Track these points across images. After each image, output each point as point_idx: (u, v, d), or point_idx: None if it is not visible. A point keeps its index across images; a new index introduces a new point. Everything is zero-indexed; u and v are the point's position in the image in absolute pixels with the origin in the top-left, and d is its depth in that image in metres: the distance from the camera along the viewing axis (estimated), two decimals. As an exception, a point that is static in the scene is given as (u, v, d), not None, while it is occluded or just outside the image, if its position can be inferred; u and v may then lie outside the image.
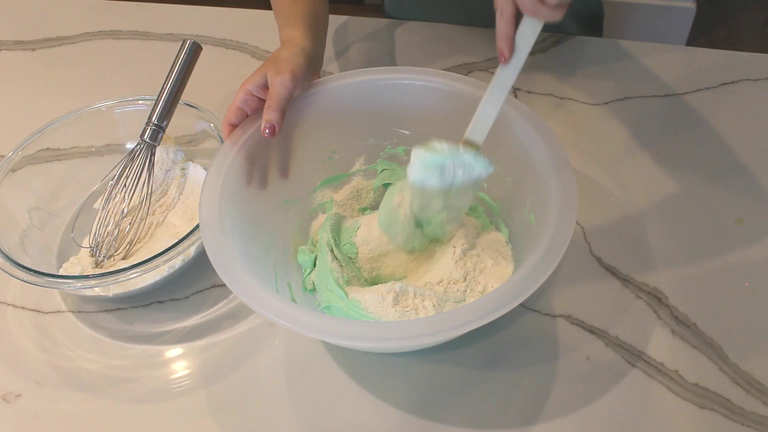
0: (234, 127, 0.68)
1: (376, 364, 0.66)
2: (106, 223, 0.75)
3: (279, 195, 0.71)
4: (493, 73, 0.96)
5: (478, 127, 0.62)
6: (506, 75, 0.61)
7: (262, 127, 0.65)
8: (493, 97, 0.62)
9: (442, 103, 0.71)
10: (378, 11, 1.13)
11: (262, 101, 0.68)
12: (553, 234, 0.56)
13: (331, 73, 0.95)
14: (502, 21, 0.59)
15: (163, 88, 0.75)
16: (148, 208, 0.77)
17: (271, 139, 0.67)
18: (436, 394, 0.64)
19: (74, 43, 1.08)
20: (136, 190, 0.76)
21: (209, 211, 0.61)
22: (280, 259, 0.69)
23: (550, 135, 0.64)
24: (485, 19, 1.01)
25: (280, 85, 0.65)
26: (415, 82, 0.72)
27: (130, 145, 0.84)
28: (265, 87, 0.67)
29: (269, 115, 0.65)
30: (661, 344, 0.66)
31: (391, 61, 0.99)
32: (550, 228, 0.57)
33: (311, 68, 0.70)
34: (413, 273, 0.69)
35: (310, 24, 0.73)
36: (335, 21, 1.06)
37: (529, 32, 0.60)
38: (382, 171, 0.77)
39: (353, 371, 0.66)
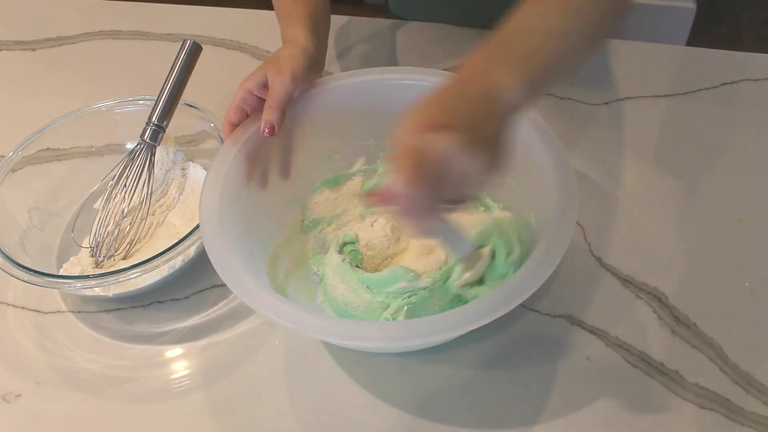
0: (234, 126, 0.67)
1: (376, 364, 0.66)
2: (106, 223, 0.75)
3: (279, 195, 0.71)
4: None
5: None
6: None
7: (262, 126, 0.65)
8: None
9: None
10: (380, 11, 1.13)
11: (262, 100, 0.68)
12: (553, 234, 0.56)
13: (332, 73, 0.95)
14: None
15: (163, 88, 0.75)
16: (148, 208, 0.77)
17: (272, 139, 0.67)
18: (437, 394, 0.64)
19: (74, 43, 1.08)
20: (136, 191, 0.76)
21: (209, 211, 0.61)
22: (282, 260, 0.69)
23: (550, 135, 0.64)
24: (489, 20, 1.01)
25: (280, 85, 0.65)
26: (416, 82, 0.72)
27: (130, 145, 0.84)
28: (265, 86, 0.67)
29: (269, 114, 0.65)
30: (661, 344, 0.66)
31: (393, 61, 0.99)
32: (550, 228, 0.57)
33: (312, 69, 0.70)
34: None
35: (312, 24, 0.72)
36: (337, 21, 1.06)
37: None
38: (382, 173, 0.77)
39: (353, 371, 0.66)
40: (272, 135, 0.65)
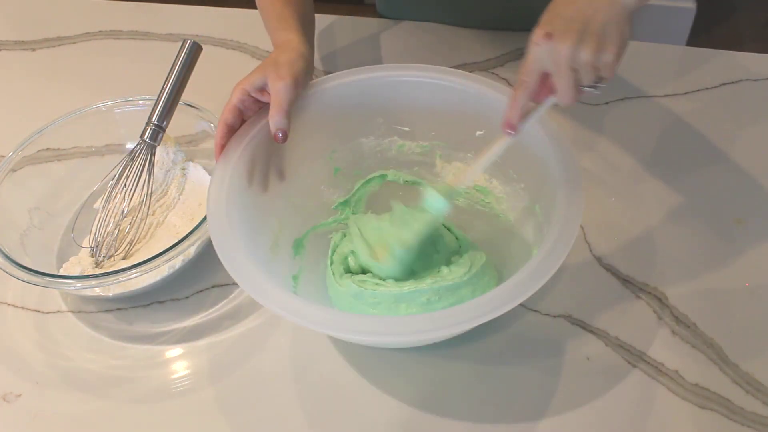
0: (229, 126, 0.67)
1: (382, 360, 0.66)
2: (106, 223, 0.75)
3: (282, 194, 0.71)
4: (493, 74, 0.97)
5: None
6: (501, 146, 0.61)
7: (273, 133, 0.65)
8: (479, 164, 0.63)
9: (440, 99, 0.72)
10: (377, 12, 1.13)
11: (258, 102, 0.68)
12: (556, 237, 0.56)
13: (328, 73, 0.95)
14: (522, 95, 0.58)
15: (163, 88, 0.75)
16: (148, 208, 0.77)
17: (272, 141, 0.67)
18: (440, 389, 0.64)
19: (74, 43, 1.08)
20: (136, 191, 0.76)
21: (216, 212, 0.61)
22: (286, 257, 0.70)
23: (561, 139, 0.64)
24: (479, 20, 1.01)
25: (284, 91, 0.65)
26: (413, 78, 0.72)
27: (130, 145, 0.84)
28: (262, 89, 0.67)
29: (279, 122, 0.65)
30: (661, 344, 0.66)
31: (388, 61, 0.99)
32: (554, 230, 0.57)
33: (309, 73, 0.70)
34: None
35: (303, 27, 0.73)
36: (332, 21, 1.06)
37: (540, 111, 0.60)
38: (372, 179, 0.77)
39: (359, 367, 0.66)
40: (285, 141, 0.65)
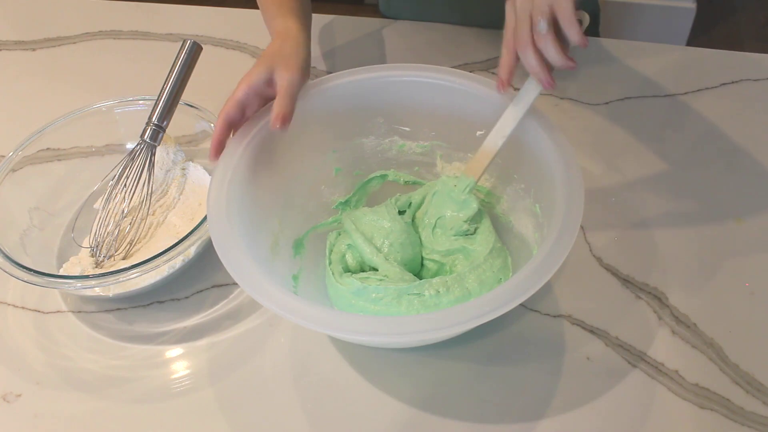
0: (230, 121, 0.66)
1: (382, 360, 0.66)
2: (106, 223, 0.75)
3: (282, 194, 0.71)
4: (493, 74, 0.97)
5: (479, 161, 0.68)
6: (511, 116, 0.65)
7: (273, 119, 0.64)
8: (497, 137, 0.66)
9: (441, 99, 0.72)
10: (378, 12, 1.13)
11: (261, 100, 0.68)
12: (557, 237, 0.56)
13: (328, 73, 0.95)
14: (508, 55, 0.63)
15: (163, 88, 0.75)
16: (148, 208, 0.77)
17: (272, 140, 0.67)
18: (440, 389, 0.64)
19: (74, 43, 1.08)
20: (137, 190, 0.76)
21: (216, 212, 0.61)
22: (286, 257, 0.70)
23: (561, 139, 0.64)
24: (481, 19, 1.02)
25: (292, 81, 0.66)
26: (413, 78, 0.72)
27: (130, 145, 0.84)
28: (269, 83, 0.67)
29: (284, 107, 0.64)
30: (662, 344, 0.66)
31: (389, 61, 0.99)
32: (554, 230, 0.57)
33: (309, 62, 0.71)
34: None
35: (301, 14, 0.73)
36: (333, 20, 1.06)
37: (532, 87, 0.64)
38: (373, 178, 0.77)
39: (359, 367, 0.66)
40: (284, 125, 0.64)
